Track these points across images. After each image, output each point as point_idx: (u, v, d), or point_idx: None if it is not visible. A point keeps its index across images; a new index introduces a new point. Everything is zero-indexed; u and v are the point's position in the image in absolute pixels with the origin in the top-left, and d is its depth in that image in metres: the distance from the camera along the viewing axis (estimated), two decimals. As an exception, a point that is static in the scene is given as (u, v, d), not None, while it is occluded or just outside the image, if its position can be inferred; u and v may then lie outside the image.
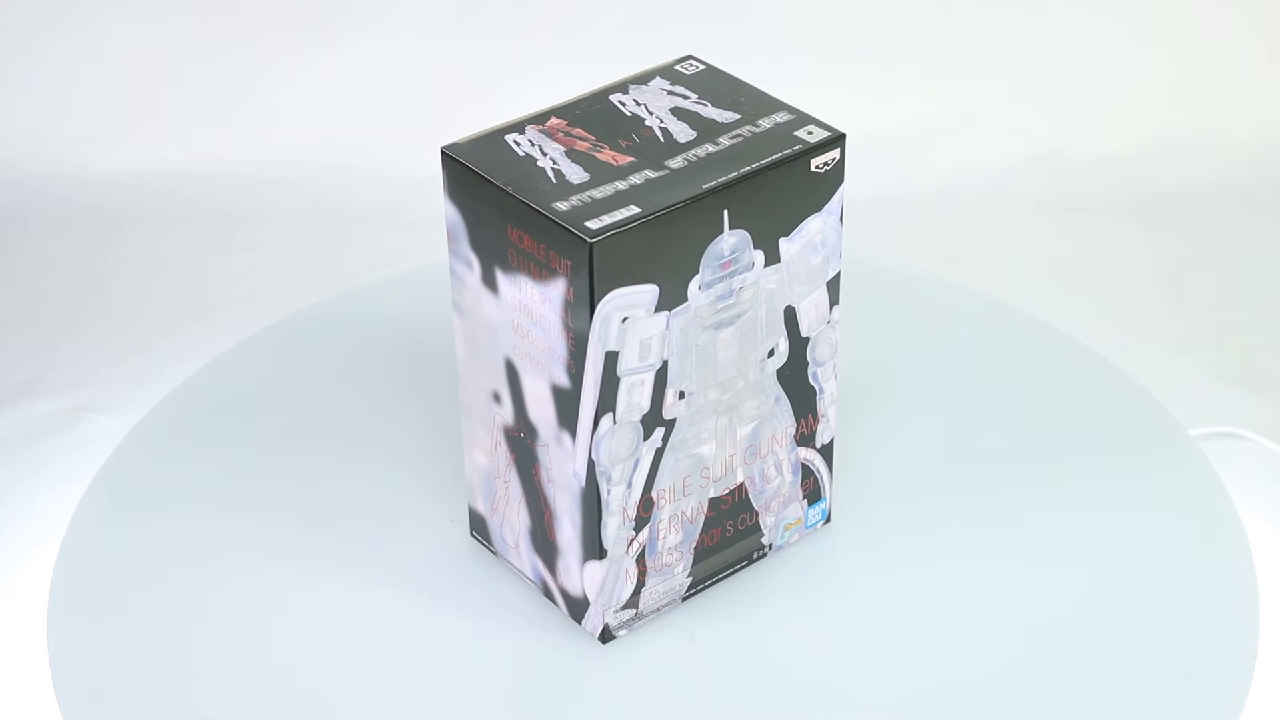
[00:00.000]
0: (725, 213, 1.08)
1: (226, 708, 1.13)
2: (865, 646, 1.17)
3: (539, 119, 1.13)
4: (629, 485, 1.11)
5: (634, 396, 1.09)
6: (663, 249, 1.06)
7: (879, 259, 1.57)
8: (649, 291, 1.07)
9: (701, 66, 1.19)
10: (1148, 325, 2.07)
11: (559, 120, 1.13)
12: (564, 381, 1.09)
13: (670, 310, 1.08)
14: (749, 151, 1.11)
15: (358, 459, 1.32)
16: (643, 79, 1.18)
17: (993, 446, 1.33)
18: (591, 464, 1.10)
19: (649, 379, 1.09)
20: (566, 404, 1.09)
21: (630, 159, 1.10)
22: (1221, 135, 2.33)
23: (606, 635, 1.16)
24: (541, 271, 1.07)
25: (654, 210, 1.06)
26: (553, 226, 1.05)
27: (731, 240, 1.09)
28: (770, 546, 1.23)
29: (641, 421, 1.10)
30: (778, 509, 1.21)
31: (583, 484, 1.11)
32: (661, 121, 1.13)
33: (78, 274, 2.19)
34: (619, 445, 1.10)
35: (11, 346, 2.08)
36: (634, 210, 1.05)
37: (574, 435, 1.10)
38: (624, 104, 1.15)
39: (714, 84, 1.17)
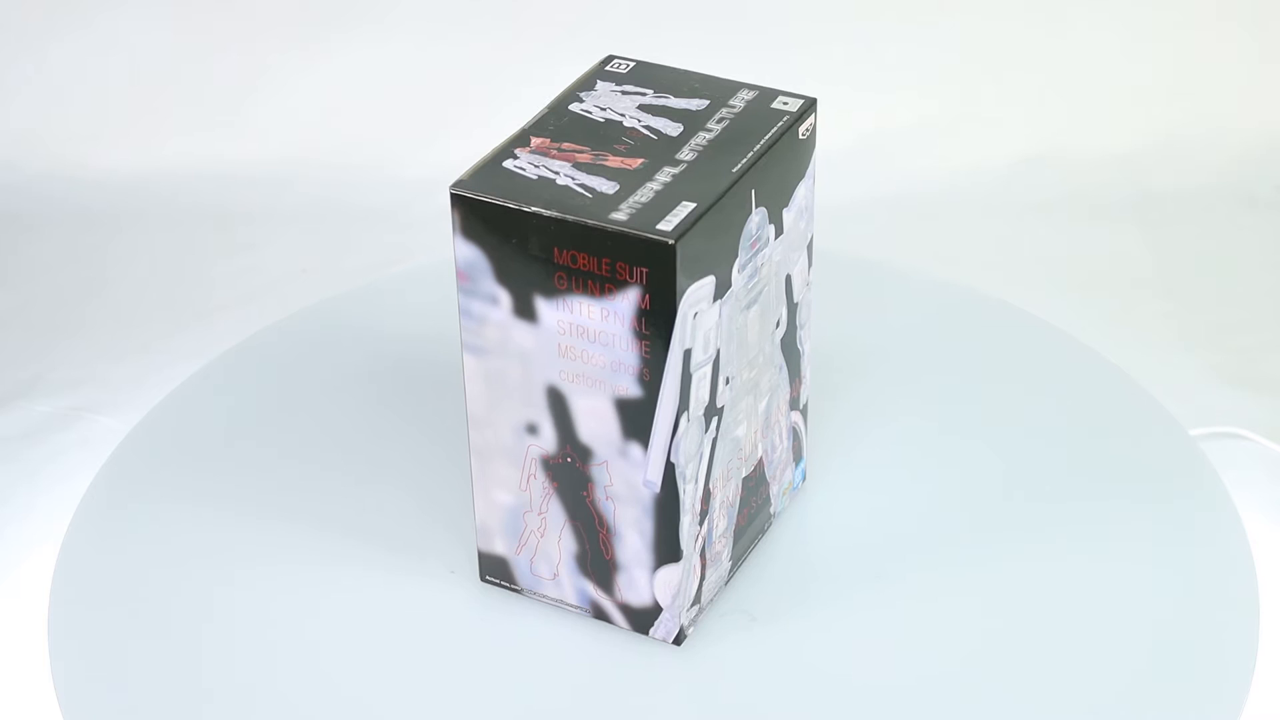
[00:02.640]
0: (753, 192, 1.09)
1: (227, 708, 1.13)
2: (895, 618, 1.19)
3: (521, 141, 1.12)
4: (696, 481, 1.12)
5: (700, 391, 1.09)
6: (715, 238, 1.07)
7: (878, 258, 1.57)
8: (710, 283, 1.07)
9: (631, 62, 1.19)
10: (1148, 325, 2.07)
11: (541, 139, 1.12)
12: (633, 392, 1.08)
13: (721, 298, 1.09)
14: (746, 131, 1.12)
15: (359, 461, 1.32)
16: (585, 85, 1.17)
17: (991, 446, 1.33)
18: (670, 467, 1.09)
19: (709, 371, 1.10)
20: (635, 414, 1.09)
21: (640, 160, 1.10)
22: (1221, 135, 2.34)
23: (680, 637, 1.16)
24: (604, 286, 1.06)
25: (709, 202, 1.06)
26: (619, 238, 1.04)
27: (756, 219, 1.11)
28: (775, 515, 1.24)
29: (703, 415, 1.11)
30: (779, 476, 1.23)
31: (657, 490, 1.10)
32: (640, 121, 1.13)
33: (77, 274, 2.19)
34: (691, 443, 1.10)
35: (11, 346, 2.08)
36: (691, 206, 1.05)
37: (646, 443, 1.09)
38: (590, 112, 1.14)
39: (658, 76, 1.18)
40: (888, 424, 1.34)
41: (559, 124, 1.13)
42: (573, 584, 1.17)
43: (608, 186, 1.07)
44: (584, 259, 1.05)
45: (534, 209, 1.06)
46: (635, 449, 1.10)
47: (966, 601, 1.20)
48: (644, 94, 1.16)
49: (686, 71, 1.18)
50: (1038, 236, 2.23)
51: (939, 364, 1.41)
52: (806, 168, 1.16)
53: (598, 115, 1.14)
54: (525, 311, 1.09)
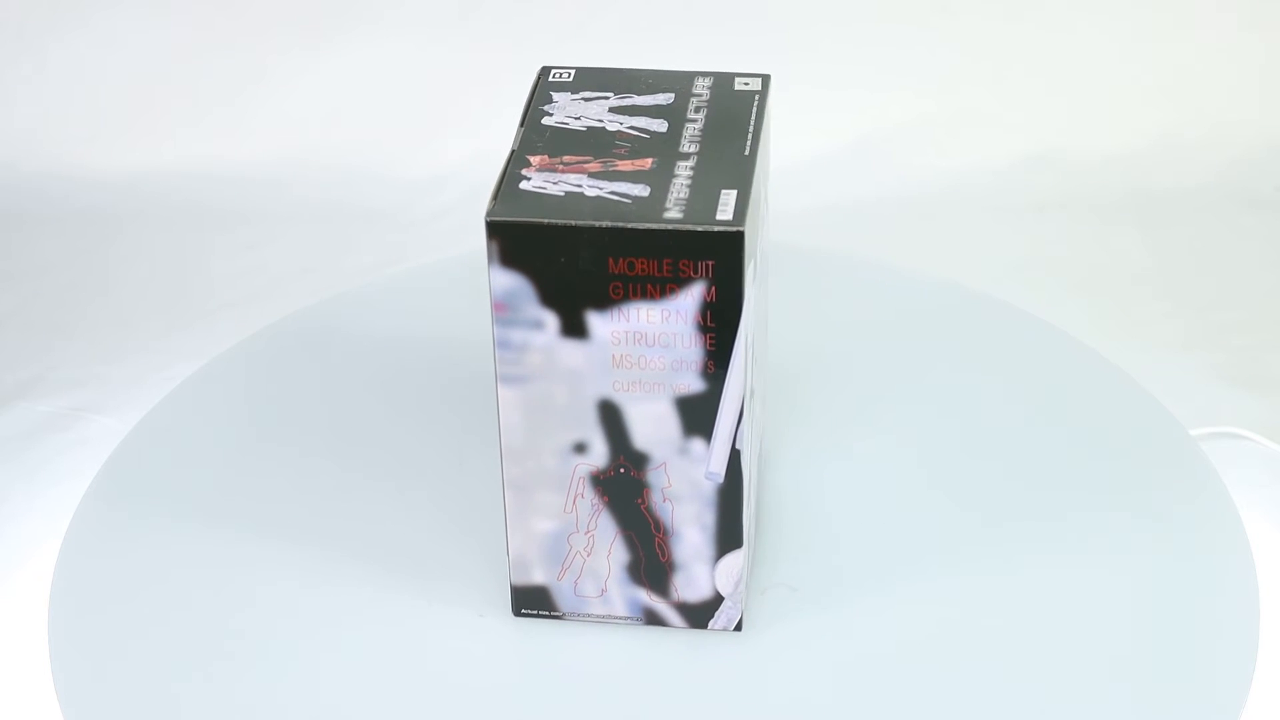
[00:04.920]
0: (758, 172, 1.10)
1: (228, 708, 1.13)
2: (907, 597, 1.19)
3: (520, 163, 1.10)
4: (750, 465, 1.13)
5: (748, 374, 1.10)
6: (751, 222, 1.08)
7: (877, 258, 1.57)
8: (753, 267, 1.08)
9: (571, 70, 1.19)
10: (1148, 325, 2.07)
11: (539, 157, 1.11)
12: (696, 387, 1.08)
13: (754, 279, 1.10)
14: (730, 114, 1.13)
15: (359, 462, 1.32)
16: (542, 100, 1.16)
17: (991, 445, 1.33)
18: (735, 454, 1.10)
19: (751, 353, 1.11)
20: (697, 409, 1.09)
21: (650, 160, 1.09)
22: (1221, 135, 2.34)
23: (740, 624, 1.16)
24: (665, 288, 1.05)
25: (746, 187, 1.07)
26: (683, 236, 1.04)
27: (761, 196, 1.12)
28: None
29: (749, 397, 1.11)
30: (757, 445, 1.24)
31: (720, 480, 1.10)
32: (621, 123, 1.13)
33: (77, 274, 2.19)
34: (746, 425, 1.10)
35: (11, 346, 2.08)
36: (733, 193, 1.06)
37: (709, 436, 1.09)
38: (566, 123, 1.14)
39: (608, 78, 1.18)
40: (883, 420, 1.34)
41: (544, 140, 1.12)
42: (623, 595, 1.16)
43: (638, 189, 1.07)
44: (642, 264, 1.05)
45: (587, 223, 1.05)
46: (697, 445, 1.10)
47: (964, 599, 1.20)
48: (606, 97, 1.16)
49: (630, 70, 1.18)
50: (1038, 236, 2.23)
51: (937, 363, 1.41)
52: (768, 142, 1.18)
53: (576, 125, 1.13)
54: (575, 329, 1.08)
